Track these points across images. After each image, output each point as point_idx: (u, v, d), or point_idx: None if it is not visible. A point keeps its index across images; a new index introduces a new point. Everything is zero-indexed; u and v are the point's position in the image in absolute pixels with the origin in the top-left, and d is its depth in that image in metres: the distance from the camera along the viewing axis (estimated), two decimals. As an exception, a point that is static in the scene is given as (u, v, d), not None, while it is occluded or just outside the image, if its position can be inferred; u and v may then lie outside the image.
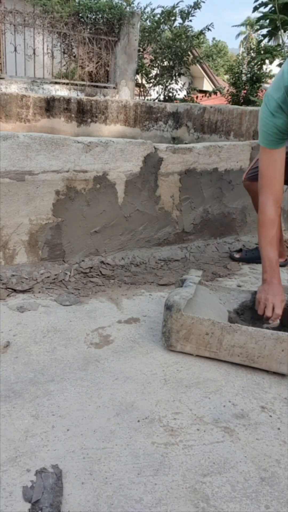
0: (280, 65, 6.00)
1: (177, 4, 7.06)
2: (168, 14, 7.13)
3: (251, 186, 2.12)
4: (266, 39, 5.97)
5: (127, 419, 1.15)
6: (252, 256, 2.36)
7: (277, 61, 6.36)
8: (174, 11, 7.11)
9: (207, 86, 14.15)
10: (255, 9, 5.18)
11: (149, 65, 7.51)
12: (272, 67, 7.54)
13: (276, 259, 1.53)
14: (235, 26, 22.29)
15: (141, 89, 7.69)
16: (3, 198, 1.80)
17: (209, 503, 0.93)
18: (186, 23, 7.26)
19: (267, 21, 5.30)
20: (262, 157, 1.55)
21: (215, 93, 8.44)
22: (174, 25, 7.31)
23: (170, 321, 1.41)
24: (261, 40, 6.57)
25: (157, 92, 7.87)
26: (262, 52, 7.00)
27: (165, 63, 7.40)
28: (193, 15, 7.19)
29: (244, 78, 8.04)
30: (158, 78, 7.53)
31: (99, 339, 1.52)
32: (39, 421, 1.12)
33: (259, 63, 7.56)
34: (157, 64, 7.48)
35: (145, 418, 1.16)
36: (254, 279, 2.16)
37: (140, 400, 1.23)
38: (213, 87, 10.03)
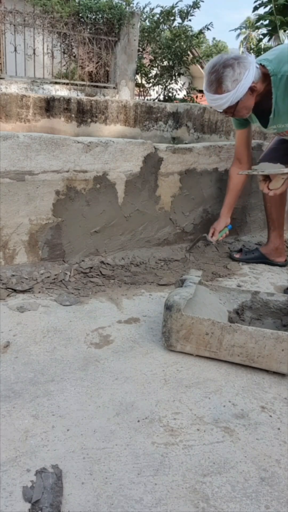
0: None
1: (176, 3, 7.06)
2: (167, 14, 7.13)
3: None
4: (266, 39, 5.96)
5: (127, 419, 1.15)
6: (252, 256, 2.36)
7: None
8: (173, 11, 7.11)
9: (207, 86, 14.11)
10: (255, 9, 5.16)
11: (149, 65, 7.51)
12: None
13: (228, 203, 2.23)
14: (233, 30, 22.05)
15: (141, 89, 7.69)
16: (3, 198, 1.80)
17: (209, 503, 0.93)
18: (186, 23, 7.27)
19: (267, 21, 5.28)
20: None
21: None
22: (174, 25, 7.31)
23: (170, 321, 1.41)
24: (261, 40, 6.56)
25: (157, 92, 7.87)
26: (262, 52, 6.99)
27: (165, 63, 7.41)
28: (192, 15, 7.20)
29: None
30: (157, 78, 7.53)
31: (99, 339, 1.52)
32: (39, 421, 1.12)
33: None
34: (156, 64, 7.48)
35: (145, 418, 1.16)
36: (254, 279, 2.16)
37: (140, 400, 1.23)
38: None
